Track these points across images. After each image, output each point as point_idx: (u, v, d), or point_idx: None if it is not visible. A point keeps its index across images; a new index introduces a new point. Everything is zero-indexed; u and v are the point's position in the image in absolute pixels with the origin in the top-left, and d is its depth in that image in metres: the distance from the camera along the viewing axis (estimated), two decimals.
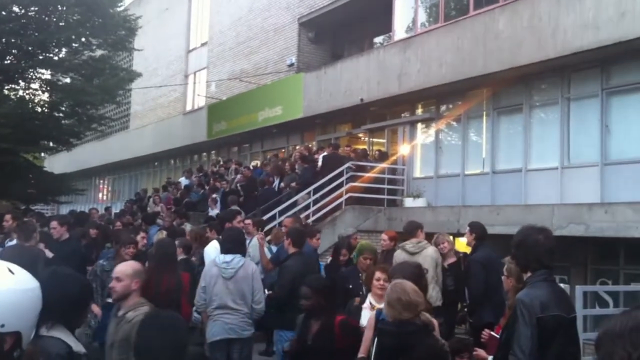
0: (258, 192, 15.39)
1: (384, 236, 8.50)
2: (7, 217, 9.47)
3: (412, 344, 3.68)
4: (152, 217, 13.81)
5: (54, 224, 8.40)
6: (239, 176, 16.74)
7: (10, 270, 2.22)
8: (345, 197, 14.27)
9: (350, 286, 6.15)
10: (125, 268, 4.55)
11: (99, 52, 22.87)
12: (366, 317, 4.77)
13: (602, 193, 11.38)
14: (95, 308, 6.67)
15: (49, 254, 7.08)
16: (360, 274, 6.37)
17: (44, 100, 22.15)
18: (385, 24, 16.69)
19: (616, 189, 11.20)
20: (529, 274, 3.54)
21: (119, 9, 22.07)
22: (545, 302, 3.35)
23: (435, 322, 4.06)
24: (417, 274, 4.46)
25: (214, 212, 14.76)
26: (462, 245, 9.92)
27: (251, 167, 18.68)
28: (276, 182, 15.20)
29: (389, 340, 3.75)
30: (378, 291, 4.98)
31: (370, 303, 5.09)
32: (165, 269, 6.06)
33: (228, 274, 6.07)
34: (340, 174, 14.37)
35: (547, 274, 3.52)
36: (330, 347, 4.46)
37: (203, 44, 26.50)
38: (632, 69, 11.27)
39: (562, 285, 6.39)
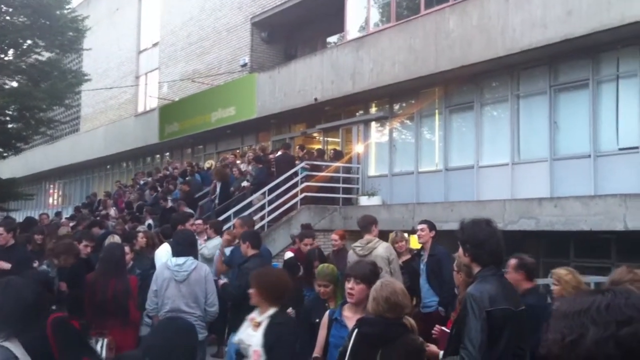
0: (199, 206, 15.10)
1: (334, 236, 8.70)
2: None
3: (392, 337, 3.65)
4: (99, 222, 13.49)
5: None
6: (177, 191, 16.30)
7: None
8: (300, 196, 14.24)
9: (317, 320, 4.92)
10: None
11: (46, 55, 22.31)
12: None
13: (552, 188, 11.62)
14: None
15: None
16: (326, 304, 5.21)
17: None
18: (338, 24, 16.72)
19: (565, 183, 11.45)
20: (477, 269, 3.56)
21: (66, 11, 21.53)
22: (494, 296, 3.38)
23: (416, 326, 4.00)
24: (373, 272, 4.44)
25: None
26: (415, 242, 10.00)
27: (205, 168, 18.49)
28: (218, 188, 14.85)
29: (369, 329, 3.71)
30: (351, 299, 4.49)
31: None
32: (112, 274, 5.92)
33: (180, 277, 5.97)
34: (295, 174, 14.34)
35: (495, 269, 3.55)
36: None
37: (154, 45, 26.12)
38: (579, 66, 11.54)
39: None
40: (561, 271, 4.77)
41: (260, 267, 6.58)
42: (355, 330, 3.77)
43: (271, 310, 4.27)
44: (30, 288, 3.13)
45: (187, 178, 17.16)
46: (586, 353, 1.27)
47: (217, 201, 14.54)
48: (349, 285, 4.31)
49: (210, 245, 9.28)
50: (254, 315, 4.36)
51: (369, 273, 4.34)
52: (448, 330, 4.00)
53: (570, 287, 4.51)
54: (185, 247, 6.23)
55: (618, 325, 1.27)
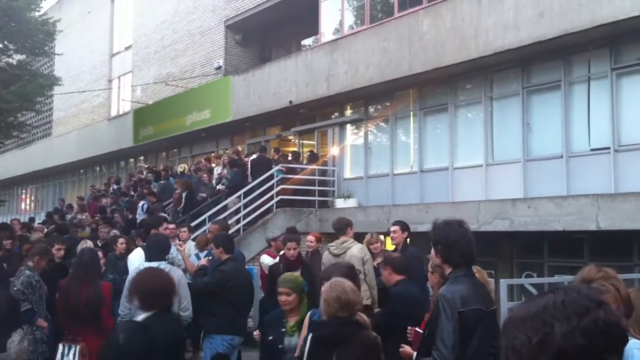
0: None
1: (310, 237, 8.78)
2: None
3: (346, 336, 3.66)
4: (66, 227, 13.29)
5: None
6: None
7: None
8: (276, 199, 14.18)
9: (271, 337, 4.76)
10: None
11: (17, 58, 21.98)
12: None
13: (525, 188, 11.71)
14: (42, 322, 6.35)
15: None
16: (284, 319, 4.85)
17: None
18: (312, 27, 16.72)
19: (538, 184, 11.55)
20: (449, 270, 3.55)
21: (36, 13, 21.24)
22: (466, 297, 3.38)
23: (369, 322, 4.03)
24: (349, 274, 4.42)
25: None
26: (389, 244, 10.01)
27: (179, 171, 18.34)
28: (184, 198, 14.59)
29: (323, 332, 3.71)
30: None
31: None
32: (84, 279, 5.82)
33: None
34: (271, 177, 14.28)
35: (467, 270, 3.55)
36: None
37: (127, 48, 25.86)
38: (551, 68, 11.65)
39: (489, 279, 6.50)
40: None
41: (234, 271, 6.56)
42: (310, 335, 3.77)
43: (145, 314, 4.09)
44: (4, 297, 3.04)
45: (152, 185, 16.96)
46: (557, 349, 1.31)
47: (181, 212, 14.25)
48: (323, 289, 4.28)
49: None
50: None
51: (345, 276, 4.29)
52: (421, 331, 3.98)
53: None
54: (157, 252, 6.15)
55: (579, 317, 1.33)
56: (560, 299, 1.38)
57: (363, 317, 3.87)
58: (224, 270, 6.61)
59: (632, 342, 2.60)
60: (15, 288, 6.41)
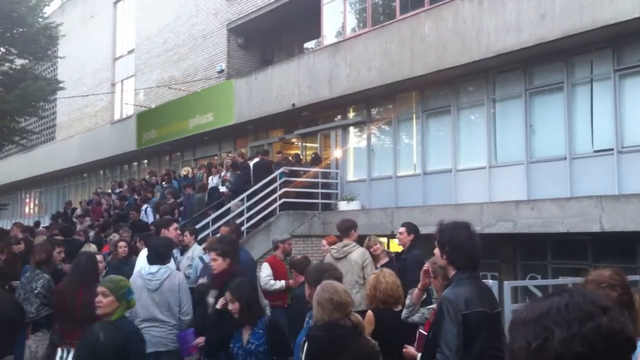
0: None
1: (324, 242, 8.55)
2: None
3: (343, 347, 3.62)
4: (71, 229, 13.29)
5: None
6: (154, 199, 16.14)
7: None
8: (279, 202, 14.19)
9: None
10: None
11: (19, 62, 22.04)
12: None
13: (528, 190, 11.70)
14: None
15: None
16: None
17: None
18: (314, 30, 16.73)
19: (541, 186, 11.54)
20: (453, 272, 3.54)
21: (39, 18, 21.31)
22: (470, 299, 3.36)
23: (363, 322, 4.02)
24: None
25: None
26: (397, 246, 10.00)
27: (182, 175, 18.40)
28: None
29: (318, 345, 3.68)
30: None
31: None
32: (80, 283, 5.82)
33: (153, 286, 5.88)
34: (274, 180, 14.29)
35: (471, 272, 3.53)
36: None
37: (130, 52, 25.92)
38: (553, 70, 11.65)
39: (492, 281, 6.47)
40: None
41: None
42: (306, 346, 3.75)
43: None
44: (14, 304, 3.03)
45: (155, 188, 17.04)
46: (554, 355, 1.28)
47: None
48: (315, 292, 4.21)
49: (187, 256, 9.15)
50: None
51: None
52: (425, 333, 3.98)
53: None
54: (158, 255, 6.14)
55: (580, 323, 1.30)
56: (564, 303, 1.34)
57: (357, 317, 3.86)
58: None
59: None
60: (36, 291, 6.42)
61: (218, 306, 5.28)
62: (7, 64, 21.27)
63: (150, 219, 14.51)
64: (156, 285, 5.87)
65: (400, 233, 7.75)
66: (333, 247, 7.51)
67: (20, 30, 19.83)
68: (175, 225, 8.90)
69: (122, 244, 9.53)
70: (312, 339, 3.71)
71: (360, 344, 3.69)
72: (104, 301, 4.26)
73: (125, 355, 3.83)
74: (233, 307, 4.72)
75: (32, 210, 35.95)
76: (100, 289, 4.34)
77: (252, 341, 4.65)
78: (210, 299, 5.87)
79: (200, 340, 5.70)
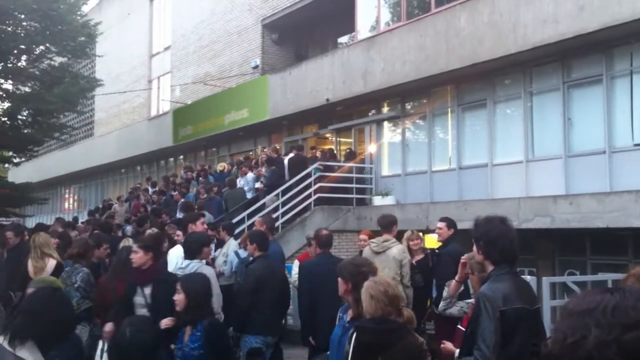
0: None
1: (361, 236, 8.69)
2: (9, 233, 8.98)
3: (392, 342, 3.59)
4: (110, 225, 13.53)
5: (9, 234, 8.24)
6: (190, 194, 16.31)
7: None
8: (314, 197, 14.23)
9: None
10: None
11: (58, 60, 22.48)
12: None
13: (567, 185, 11.52)
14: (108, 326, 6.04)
15: None
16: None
17: (3, 110, 21.70)
18: (348, 24, 16.70)
19: (580, 180, 11.35)
20: (490, 267, 3.52)
21: (78, 16, 21.68)
22: (508, 295, 3.33)
23: (414, 318, 4.02)
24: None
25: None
26: (431, 241, 9.96)
27: (218, 170, 18.57)
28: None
29: (368, 337, 3.64)
30: None
31: None
32: (120, 276, 5.94)
33: None
34: (308, 175, 14.33)
35: (509, 267, 3.50)
36: None
37: (166, 49, 26.22)
38: (592, 62, 11.43)
39: (529, 277, 6.43)
40: None
41: (263, 269, 6.59)
42: (354, 336, 3.72)
43: None
44: (69, 302, 3.12)
45: (191, 184, 17.20)
46: (586, 355, 1.22)
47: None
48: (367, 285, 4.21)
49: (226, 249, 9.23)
50: None
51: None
52: (463, 328, 3.96)
53: None
54: (191, 249, 6.22)
55: (623, 329, 1.22)
56: (612, 303, 1.26)
57: (409, 312, 3.84)
58: (253, 269, 6.67)
59: None
60: (76, 285, 6.55)
61: (162, 326, 4.87)
62: (47, 62, 21.70)
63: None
64: None
65: (440, 228, 7.72)
66: (372, 240, 7.50)
67: (59, 28, 20.17)
68: (202, 219, 9.01)
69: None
70: (362, 330, 3.66)
71: (409, 340, 3.64)
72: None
73: (154, 348, 3.86)
74: (178, 298, 4.46)
75: (71, 206, 36.67)
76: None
77: (189, 343, 4.40)
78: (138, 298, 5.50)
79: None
